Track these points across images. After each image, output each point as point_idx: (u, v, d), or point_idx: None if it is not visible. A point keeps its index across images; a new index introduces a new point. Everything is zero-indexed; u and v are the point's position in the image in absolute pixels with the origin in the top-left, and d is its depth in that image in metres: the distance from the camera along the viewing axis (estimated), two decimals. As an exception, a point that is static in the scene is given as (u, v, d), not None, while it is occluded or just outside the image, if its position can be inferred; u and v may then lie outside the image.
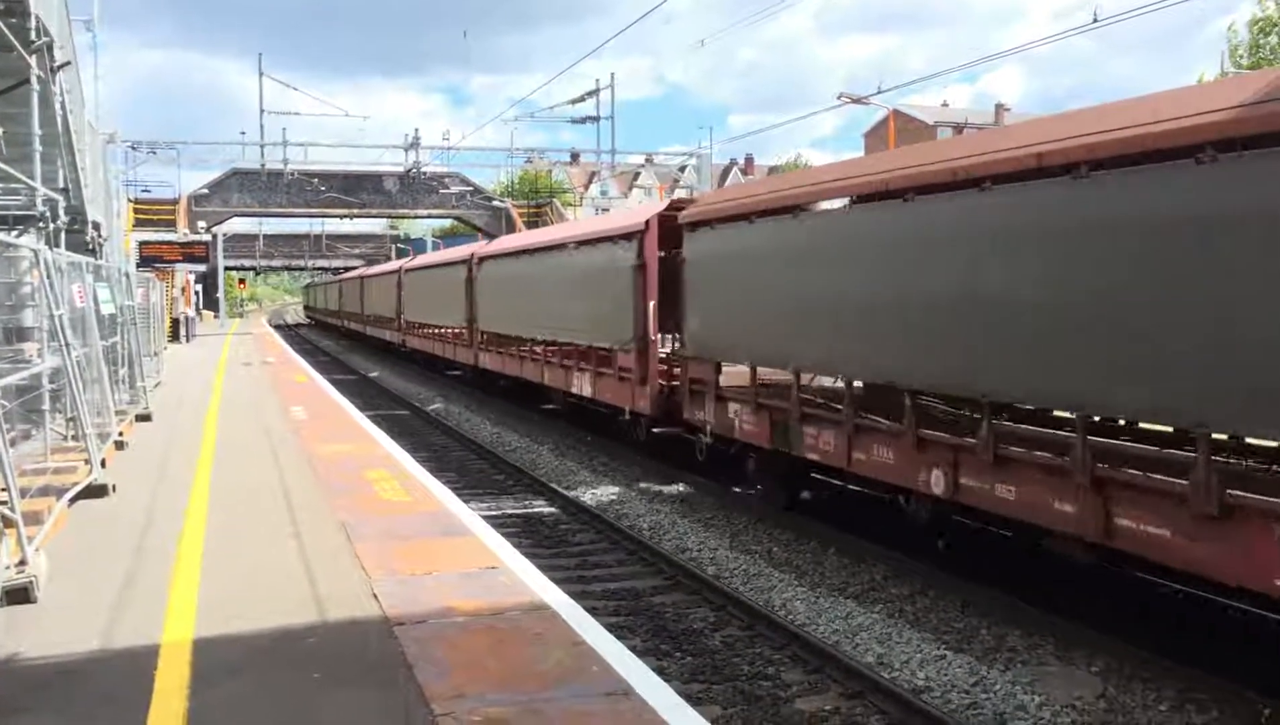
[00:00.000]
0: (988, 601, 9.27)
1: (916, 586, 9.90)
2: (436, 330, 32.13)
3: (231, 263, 78.07)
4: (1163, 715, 7.15)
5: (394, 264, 46.17)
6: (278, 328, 73.46)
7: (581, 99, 51.27)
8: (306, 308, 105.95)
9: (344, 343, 60.06)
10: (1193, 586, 8.53)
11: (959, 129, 67.91)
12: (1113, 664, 7.86)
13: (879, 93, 28.94)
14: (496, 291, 24.48)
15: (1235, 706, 7.09)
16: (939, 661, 8.13)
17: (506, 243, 26.97)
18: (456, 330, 28.81)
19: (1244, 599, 7.97)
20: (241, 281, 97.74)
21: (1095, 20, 17.55)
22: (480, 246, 28.50)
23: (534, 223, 55.01)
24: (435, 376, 33.73)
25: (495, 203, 59.70)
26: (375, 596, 6.94)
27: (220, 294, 62.68)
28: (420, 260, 39.46)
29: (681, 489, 14.86)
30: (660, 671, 7.00)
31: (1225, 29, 39.55)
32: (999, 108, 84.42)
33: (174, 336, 40.67)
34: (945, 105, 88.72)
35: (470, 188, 58.28)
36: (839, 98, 31.60)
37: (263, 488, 10.94)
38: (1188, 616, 8.66)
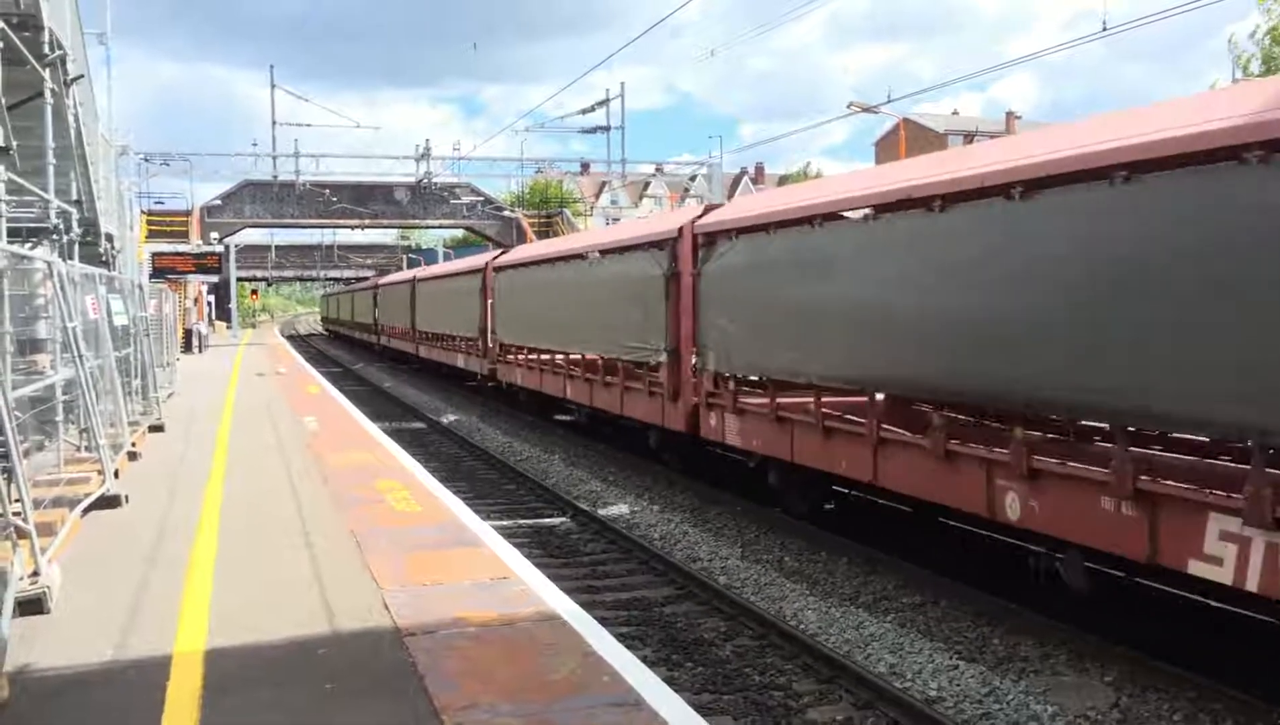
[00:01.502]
0: (999, 610, 9.24)
1: (928, 596, 9.87)
2: (564, 361, 20.27)
3: (243, 274, 78.50)
4: (1177, 725, 7.10)
5: (473, 260, 32.71)
6: (290, 338, 73.56)
7: (591, 109, 51.48)
8: (325, 319, 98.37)
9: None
10: (1208, 595, 8.48)
11: (969, 137, 67.90)
12: (1126, 673, 7.82)
13: (889, 101, 29.03)
14: (831, 300, 10.89)
15: (1250, 716, 7.05)
16: (951, 671, 8.10)
17: (829, 190, 11.87)
18: (627, 365, 16.65)
19: (1260, 607, 7.93)
20: (254, 292, 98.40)
21: (1105, 29, 17.54)
22: (694, 214, 14.71)
23: (544, 233, 55.13)
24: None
25: (506, 213, 59.88)
26: (386, 607, 6.95)
27: (232, 305, 62.99)
28: (527, 252, 25.60)
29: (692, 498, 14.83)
30: (671, 682, 6.99)
31: (1229, 40, 39.67)
32: (1010, 116, 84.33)
33: (186, 347, 40.84)
34: (956, 113, 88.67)
35: (481, 198, 58.49)
36: (849, 106, 31.62)
37: (275, 498, 10.97)
38: (1202, 625, 8.61)
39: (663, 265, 14.82)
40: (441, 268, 39.32)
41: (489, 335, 26.15)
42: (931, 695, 7.73)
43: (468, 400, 29.27)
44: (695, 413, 14.23)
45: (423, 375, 38.35)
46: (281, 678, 5.74)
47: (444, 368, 33.52)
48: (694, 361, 14.16)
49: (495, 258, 27.10)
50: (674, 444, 15.76)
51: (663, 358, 14.83)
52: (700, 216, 14.37)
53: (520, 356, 23.64)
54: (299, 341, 73.46)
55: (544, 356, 21.69)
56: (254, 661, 6.00)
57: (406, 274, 46.27)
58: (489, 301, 26.21)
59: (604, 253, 17.94)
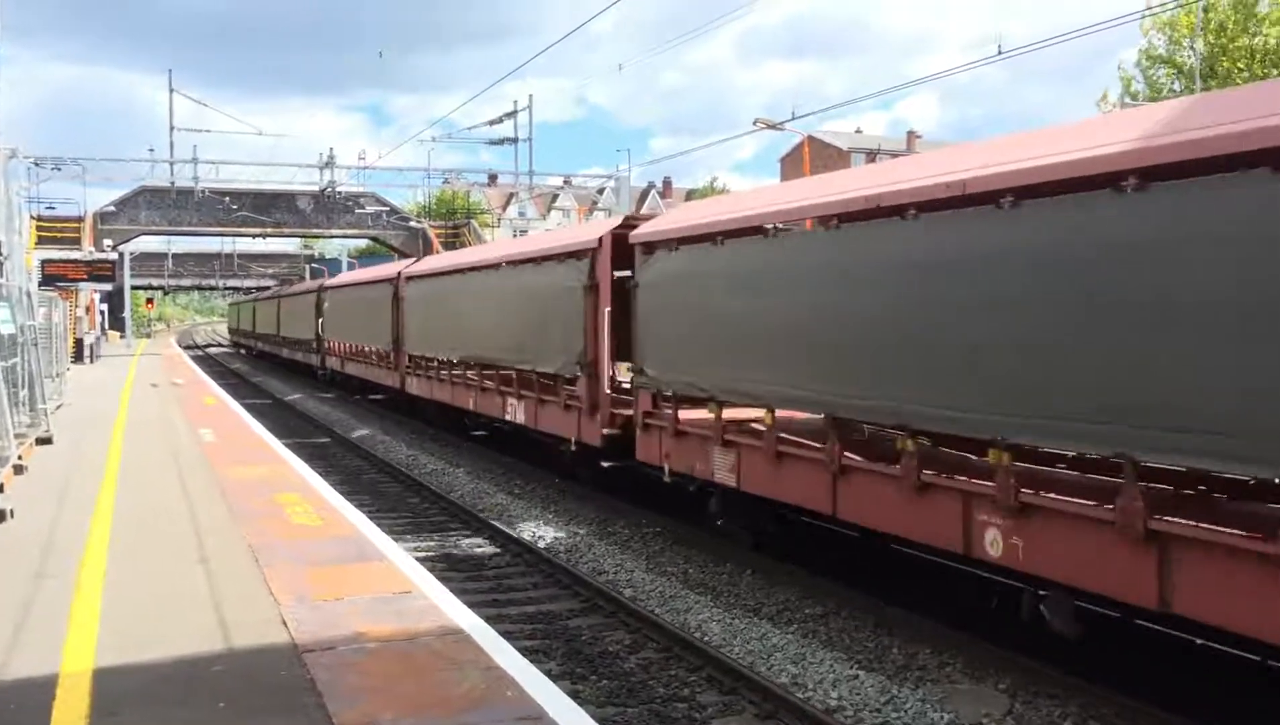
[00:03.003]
0: (898, 620, 9.40)
1: (830, 606, 10.00)
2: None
3: (139, 282, 76.41)
4: (1067, 731, 7.30)
5: (557, 236, 20.19)
6: (187, 349, 71.63)
7: (500, 120, 51.18)
8: (234, 332, 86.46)
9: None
10: (1103, 605, 8.73)
11: (872, 156, 69.20)
12: (1020, 681, 8.02)
13: (794, 119, 29.41)
14: None
15: (1138, 719, 7.28)
16: (851, 681, 8.22)
17: None
18: None
19: (1153, 618, 8.18)
20: (149, 301, 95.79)
21: (1000, 52, 18.07)
22: None
23: (451, 244, 54.73)
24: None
25: (412, 223, 59.29)
26: (284, 623, 6.81)
27: (126, 314, 61.30)
28: (741, 206, 11.77)
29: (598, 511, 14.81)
30: (575, 695, 6.98)
31: (1125, 63, 41.83)
32: (911, 135, 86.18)
33: (78, 357, 39.57)
34: (859, 131, 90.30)
35: (386, 208, 57.83)
36: (755, 123, 31.96)
37: (169, 512, 10.68)
38: (1095, 634, 8.86)
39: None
40: (459, 257, 24.84)
41: (604, 372, 14.46)
42: (832, 704, 7.83)
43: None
44: None
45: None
46: (173, 697, 5.58)
47: (470, 417, 20.94)
48: None
49: (619, 225, 14.40)
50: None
51: None
52: None
53: (711, 418, 11.56)
54: (199, 355, 71.38)
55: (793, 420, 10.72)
56: (145, 680, 5.82)
57: (381, 270, 31.58)
58: (604, 310, 14.37)
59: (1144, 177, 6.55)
